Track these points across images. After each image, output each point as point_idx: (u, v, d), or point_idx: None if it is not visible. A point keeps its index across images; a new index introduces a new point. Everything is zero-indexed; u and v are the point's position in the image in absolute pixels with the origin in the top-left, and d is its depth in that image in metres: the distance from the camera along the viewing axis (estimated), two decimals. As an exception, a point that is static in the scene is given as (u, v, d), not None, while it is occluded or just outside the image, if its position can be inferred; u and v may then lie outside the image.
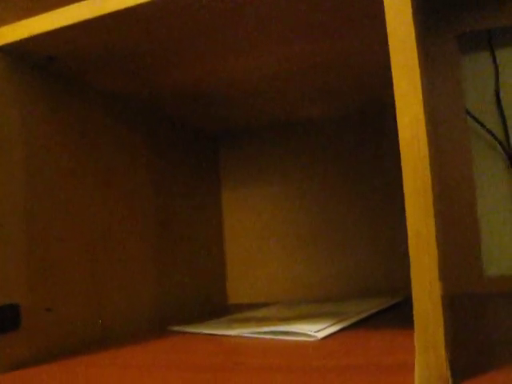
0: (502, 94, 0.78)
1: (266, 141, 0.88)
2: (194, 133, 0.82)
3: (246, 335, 0.52)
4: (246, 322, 0.59)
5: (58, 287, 0.51)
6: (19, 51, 0.48)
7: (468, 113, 0.78)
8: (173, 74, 0.58)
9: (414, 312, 0.29)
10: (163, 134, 0.73)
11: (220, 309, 0.80)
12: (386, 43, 0.53)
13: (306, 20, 0.46)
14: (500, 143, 0.77)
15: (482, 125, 0.78)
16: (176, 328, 0.60)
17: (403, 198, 0.77)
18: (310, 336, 0.48)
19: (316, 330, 0.49)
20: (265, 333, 0.51)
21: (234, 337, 0.52)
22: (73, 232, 0.54)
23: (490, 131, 0.78)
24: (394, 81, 0.30)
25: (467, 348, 0.39)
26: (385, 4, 0.31)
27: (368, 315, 0.58)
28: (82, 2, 0.43)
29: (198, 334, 0.56)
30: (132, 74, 0.57)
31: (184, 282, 0.74)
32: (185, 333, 0.57)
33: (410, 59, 0.30)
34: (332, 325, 0.51)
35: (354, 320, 0.55)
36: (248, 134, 0.89)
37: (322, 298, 0.81)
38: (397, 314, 0.60)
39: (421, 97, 0.29)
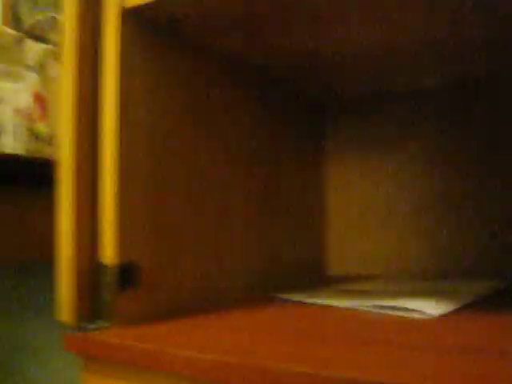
0: None
1: (374, 113, 0.85)
2: (304, 100, 0.81)
3: (357, 307, 0.51)
4: (354, 294, 0.59)
5: (174, 249, 0.53)
6: (145, 14, 0.49)
7: None
8: (289, 39, 0.57)
9: None
10: (274, 98, 0.73)
11: (320, 279, 0.80)
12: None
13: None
14: None
15: None
16: (281, 295, 0.60)
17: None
18: (424, 313, 0.46)
19: (431, 308, 0.47)
20: (379, 307, 0.50)
21: (344, 308, 0.51)
22: (189, 194, 0.55)
23: None
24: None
25: None
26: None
27: (480, 297, 0.56)
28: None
29: (306, 302, 0.56)
30: (250, 37, 0.57)
31: (286, 250, 0.74)
32: (290, 300, 0.58)
33: None
34: (447, 303, 0.50)
35: (468, 300, 0.52)
36: (357, 105, 0.87)
37: (425, 275, 0.79)
38: (508, 299, 0.57)
39: None
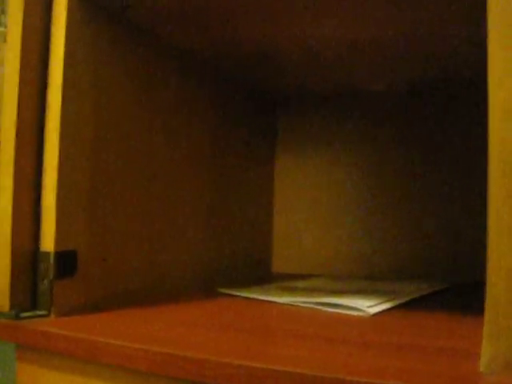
0: None
1: (324, 111, 0.86)
2: (255, 95, 0.82)
3: (297, 304, 0.52)
4: (294, 291, 0.59)
5: (115, 239, 0.52)
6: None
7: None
8: (243, 33, 0.58)
9: (487, 298, 0.29)
10: (226, 92, 0.73)
11: (264, 276, 0.81)
12: (469, 19, 0.50)
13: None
14: None
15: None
16: (225, 290, 0.61)
17: (468, 179, 0.75)
18: (361, 311, 0.48)
19: (368, 306, 0.48)
20: (315, 303, 0.51)
21: (285, 304, 0.52)
22: (132, 186, 0.54)
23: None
24: (490, 56, 0.29)
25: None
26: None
27: (418, 297, 0.57)
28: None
29: (247, 298, 0.56)
30: (202, 30, 0.57)
31: (232, 246, 0.75)
32: (233, 295, 0.58)
33: (509, 35, 0.28)
34: (383, 302, 0.51)
35: (405, 299, 0.54)
36: (308, 102, 0.88)
37: (366, 275, 0.81)
38: (446, 299, 0.59)
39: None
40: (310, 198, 0.86)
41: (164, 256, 0.59)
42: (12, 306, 0.43)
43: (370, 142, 0.83)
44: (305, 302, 0.52)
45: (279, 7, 0.50)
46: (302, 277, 0.78)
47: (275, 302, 0.53)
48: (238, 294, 0.58)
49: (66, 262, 0.46)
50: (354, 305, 0.48)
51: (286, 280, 0.73)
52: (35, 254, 0.45)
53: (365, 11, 0.50)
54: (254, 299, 0.56)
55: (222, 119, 0.72)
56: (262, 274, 0.83)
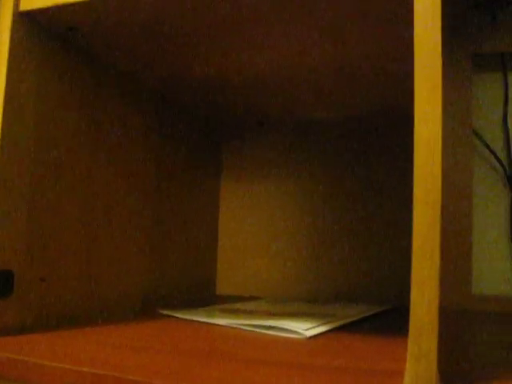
0: (509, 118, 0.79)
1: (269, 136, 0.88)
2: (200, 122, 0.83)
3: (234, 326, 0.52)
4: (235, 313, 0.60)
5: (54, 259, 0.51)
6: (42, 18, 0.48)
7: (474, 132, 0.79)
8: (190, 59, 0.59)
9: (411, 320, 0.30)
10: (170, 119, 0.73)
11: (208, 298, 0.81)
12: (407, 53, 0.53)
13: (329, 21, 0.47)
14: (502, 165, 0.78)
15: (486, 145, 0.79)
16: (166, 312, 0.61)
17: (403, 207, 0.78)
18: (298, 333, 0.48)
19: (305, 329, 0.49)
20: (254, 326, 0.51)
21: (223, 326, 0.52)
22: (73, 205, 0.54)
23: (493, 151, 0.79)
24: (416, 93, 0.31)
25: (455, 360, 0.39)
26: (415, 13, 0.31)
27: (356, 319, 0.59)
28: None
29: (187, 320, 0.56)
30: (147, 56, 0.57)
31: (176, 268, 0.74)
32: (174, 317, 0.58)
33: (434, 74, 0.30)
34: (320, 325, 0.52)
35: (342, 322, 0.55)
36: (253, 127, 0.89)
37: (308, 298, 0.82)
38: (383, 321, 0.61)
39: (440, 112, 0.30)
40: (254, 220, 0.87)
41: (104, 277, 0.59)
42: None
43: (315, 168, 0.85)
44: (244, 325, 0.52)
45: (226, 35, 0.51)
46: (245, 299, 0.78)
47: (215, 324, 0.53)
48: (180, 316, 0.58)
49: (2, 282, 0.44)
50: (291, 327, 0.49)
51: (229, 302, 0.73)
52: (-33, 272, 0.44)
53: (305, 45, 0.52)
54: (194, 321, 0.55)
55: (166, 142, 0.72)
56: (206, 296, 0.83)
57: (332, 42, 0.52)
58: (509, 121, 0.79)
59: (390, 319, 0.63)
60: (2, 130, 0.45)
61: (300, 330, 0.48)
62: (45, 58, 0.50)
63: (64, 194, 0.52)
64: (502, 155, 0.79)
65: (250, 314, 0.59)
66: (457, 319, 0.63)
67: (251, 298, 0.80)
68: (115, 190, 0.61)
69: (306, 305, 0.70)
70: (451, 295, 0.74)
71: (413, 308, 0.30)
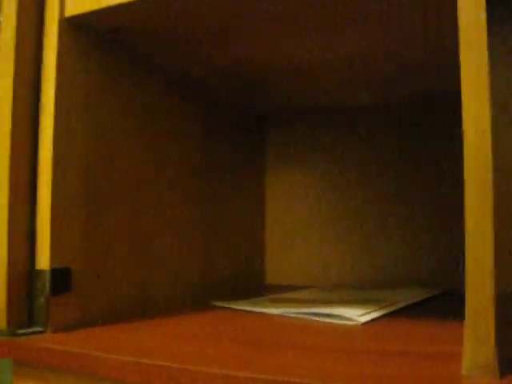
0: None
1: (312, 125, 0.88)
2: (242, 112, 0.83)
3: (289, 315, 0.53)
4: (288, 302, 0.60)
5: (108, 255, 0.53)
6: (85, 23, 0.49)
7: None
8: (229, 54, 0.59)
9: (467, 303, 0.30)
10: (214, 112, 0.74)
11: (258, 288, 0.82)
12: (441, 34, 0.52)
13: (359, 7, 0.46)
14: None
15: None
16: (219, 303, 0.62)
17: (452, 193, 0.76)
18: (352, 320, 0.49)
19: (359, 315, 0.49)
20: (308, 314, 0.52)
21: (278, 315, 0.53)
22: (125, 203, 0.56)
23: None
24: (462, 84, 0.30)
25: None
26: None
27: (408, 305, 0.59)
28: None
29: (242, 310, 0.57)
30: (189, 53, 0.58)
31: (225, 259, 0.75)
32: (228, 308, 0.59)
33: (480, 59, 0.30)
34: (374, 311, 0.52)
35: (394, 308, 0.55)
36: (295, 117, 0.89)
37: (359, 284, 0.82)
38: (436, 306, 0.60)
39: (487, 95, 0.29)
40: (301, 210, 0.88)
41: (156, 272, 0.60)
42: (9, 323, 0.44)
43: (357, 153, 0.84)
44: (296, 313, 0.53)
45: (265, 28, 0.51)
46: (295, 288, 0.79)
47: (268, 314, 0.54)
48: (233, 306, 0.59)
49: (61, 279, 0.47)
50: (344, 314, 0.49)
51: (279, 292, 0.74)
52: (31, 271, 0.46)
53: (342, 31, 0.52)
54: (247, 311, 0.56)
55: (210, 135, 0.73)
56: (255, 286, 0.84)
57: (363, 29, 0.51)
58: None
59: (443, 304, 0.62)
60: (56, 135, 0.46)
61: (354, 317, 0.49)
62: (93, 65, 0.51)
63: (115, 194, 0.54)
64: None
65: (302, 302, 0.60)
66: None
67: (301, 287, 0.80)
68: (164, 188, 0.62)
69: (357, 291, 0.70)
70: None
71: (468, 293, 0.30)
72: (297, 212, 0.88)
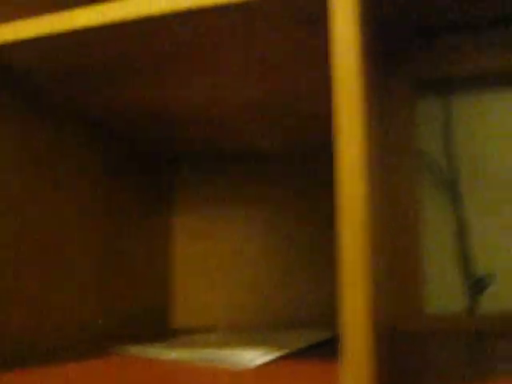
0: (451, 138, 0.82)
1: (214, 170, 0.89)
2: (148, 156, 0.83)
3: (187, 360, 0.52)
4: (188, 346, 0.59)
5: (4, 298, 0.50)
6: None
7: (419, 152, 0.82)
8: (131, 94, 0.59)
9: (342, 344, 0.30)
10: (118, 154, 0.73)
11: (162, 330, 0.80)
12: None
13: (262, 58, 0.48)
14: (446, 182, 0.81)
15: (431, 164, 0.82)
16: (119, 348, 0.60)
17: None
18: (245, 364, 0.48)
19: (252, 359, 0.49)
20: (203, 359, 0.51)
21: (173, 361, 0.52)
22: (19, 245, 0.53)
23: (437, 170, 0.81)
24: (337, 126, 0.32)
25: (407, 381, 0.40)
26: (333, 53, 0.32)
27: (301, 348, 0.59)
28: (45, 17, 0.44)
29: (136, 355, 0.56)
30: (90, 91, 0.57)
31: (128, 301, 0.73)
32: (123, 353, 0.57)
33: (353, 105, 0.31)
34: (266, 354, 0.52)
35: (288, 351, 0.56)
36: (200, 159, 0.90)
37: (263, 326, 0.82)
38: (330, 348, 0.62)
39: (361, 140, 0.31)
40: (207, 251, 0.87)
41: (52, 318, 0.57)
42: None
43: (262, 200, 0.86)
44: (192, 359, 0.52)
45: (165, 70, 0.52)
46: (197, 331, 0.78)
47: (163, 359, 0.53)
48: (126, 351, 0.57)
49: None
50: (237, 358, 0.49)
51: (181, 334, 0.72)
52: None
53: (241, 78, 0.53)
54: (146, 357, 0.55)
55: (116, 178, 0.72)
56: (160, 328, 0.82)
57: (265, 81, 0.53)
58: (452, 140, 0.82)
59: (334, 346, 0.63)
60: None
61: (246, 361, 0.48)
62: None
63: (6, 236, 0.52)
64: (446, 174, 0.82)
65: (200, 346, 0.59)
66: (409, 340, 0.64)
67: (204, 329, 0.79)
68: (65, 226, 0.60)
69: (257, 333, 0.70)
70: (403, 315, 0.76)
71: (344, 333, 0.30)
72: (202, 253, 0.87)
